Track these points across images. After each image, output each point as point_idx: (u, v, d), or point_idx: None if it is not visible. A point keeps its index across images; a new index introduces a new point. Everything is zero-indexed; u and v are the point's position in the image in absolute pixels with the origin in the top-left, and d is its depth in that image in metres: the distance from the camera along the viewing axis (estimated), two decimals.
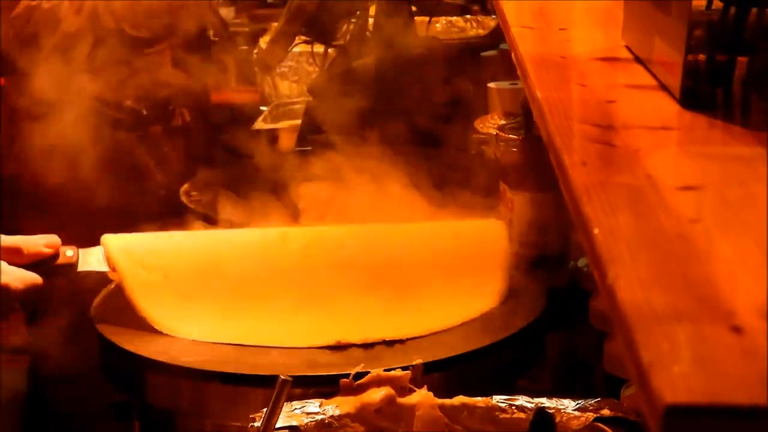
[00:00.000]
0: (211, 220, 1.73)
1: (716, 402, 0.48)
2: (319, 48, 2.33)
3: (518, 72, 1.13)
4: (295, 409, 1.17)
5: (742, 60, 0.90)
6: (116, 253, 1.44)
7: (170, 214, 1.81)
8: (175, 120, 2.24)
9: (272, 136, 2.36)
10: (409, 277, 1.47)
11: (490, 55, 2.41)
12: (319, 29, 2.20)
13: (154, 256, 1.46)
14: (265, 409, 1.10)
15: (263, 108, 2.58)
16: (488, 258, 1.49)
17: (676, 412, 0.48)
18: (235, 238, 1.54)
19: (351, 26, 2.22)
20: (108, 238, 1.45)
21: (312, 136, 2.10)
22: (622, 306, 0.56)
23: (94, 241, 1.47)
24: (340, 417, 1.16)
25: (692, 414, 0.48)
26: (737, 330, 0.52)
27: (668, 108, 0.89)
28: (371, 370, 1.20)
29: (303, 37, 2.28)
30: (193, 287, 1.44)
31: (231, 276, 1.46)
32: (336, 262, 1.49)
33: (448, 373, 1.27)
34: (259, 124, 2.44)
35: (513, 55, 1.20)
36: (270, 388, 1.09)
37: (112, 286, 1.48)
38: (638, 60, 1.04)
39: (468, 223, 1.55)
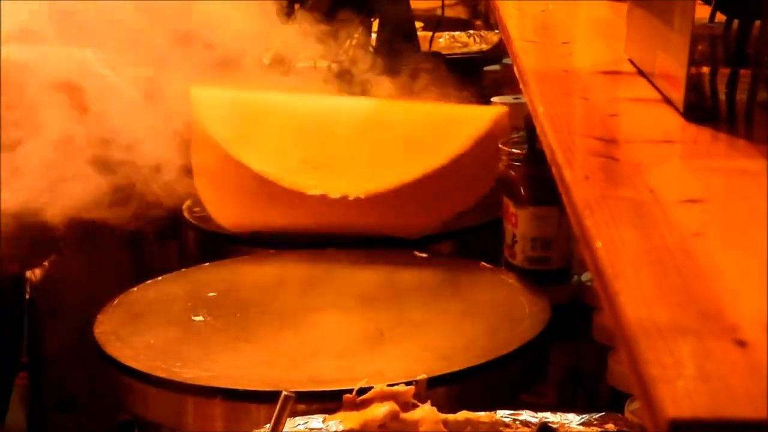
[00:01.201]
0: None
1: (720, 417, 0.48)
2: (322, 63, 2.33)
3: (521, 86, 1.13)
4: (298, 424, 1.16)
5: (745, 73, 0.90)
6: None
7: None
8: None
9: None
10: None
11: (493, 69, 2.42)
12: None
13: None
14: (267, 425, 1.09)
15: None
16: (466, 124, 1.70)
17: (680, 426, 0.48)
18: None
19: (354, 41, 2.22)
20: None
21: None
22: (626, 321, 0.56)
23: None
24: None
25: (696, 429, 0.48)
26: (741, 344, 0.52)
27: (671, 121, 0.89)
28: (375, 386, 1.20)
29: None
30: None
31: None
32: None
33: (451, 388, 1.27)
34: None
35: (516, 69, 1.20)
36: (273, 404, 1.08)
37: (115, 302, 1.48)
38: (641, 73, 1.04)
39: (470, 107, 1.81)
